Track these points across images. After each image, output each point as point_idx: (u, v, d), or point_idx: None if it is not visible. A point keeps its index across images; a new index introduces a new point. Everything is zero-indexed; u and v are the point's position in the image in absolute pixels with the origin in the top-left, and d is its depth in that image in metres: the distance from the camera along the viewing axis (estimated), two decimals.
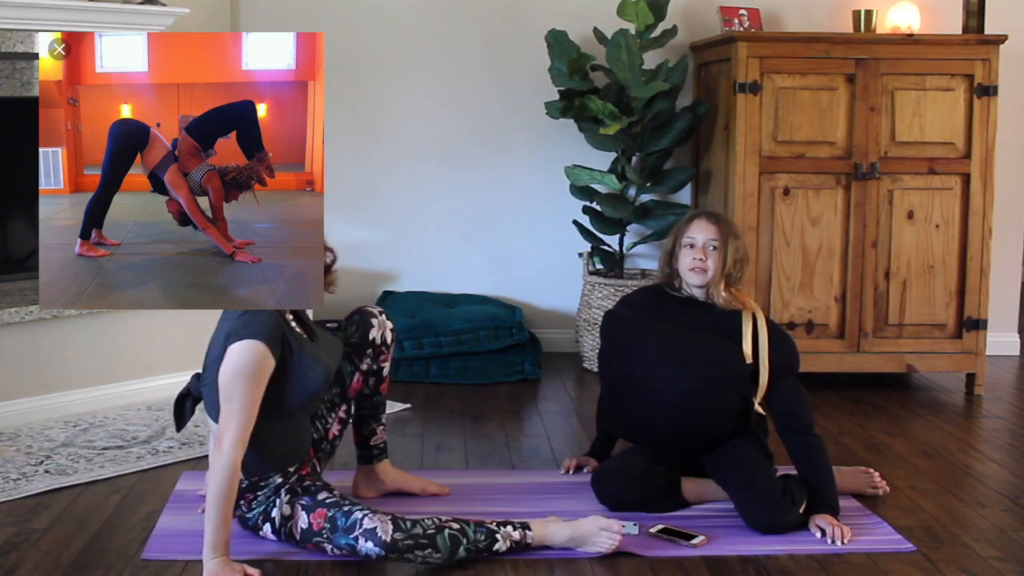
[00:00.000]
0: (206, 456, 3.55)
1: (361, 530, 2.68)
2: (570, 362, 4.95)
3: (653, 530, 2.96)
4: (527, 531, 2.80)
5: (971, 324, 4.47)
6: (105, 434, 3.75)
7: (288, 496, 2.80)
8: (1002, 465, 3.65)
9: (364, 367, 3.09)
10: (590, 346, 4.77)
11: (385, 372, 3.14)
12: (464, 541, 2.72)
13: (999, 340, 5.11)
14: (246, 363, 2.64)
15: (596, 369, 4.65)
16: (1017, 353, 5.23)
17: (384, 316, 3.12)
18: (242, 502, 2.83)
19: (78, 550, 2.83)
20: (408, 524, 2.70)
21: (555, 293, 5.13)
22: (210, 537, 2.62)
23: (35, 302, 3.88)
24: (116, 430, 3.79)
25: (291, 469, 2.84)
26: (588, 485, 3.24)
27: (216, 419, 2.73)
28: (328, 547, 2.74)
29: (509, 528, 2.79)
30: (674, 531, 2.94)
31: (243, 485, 2.81)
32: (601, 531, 2.81)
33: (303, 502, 2.78)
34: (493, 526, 2.78)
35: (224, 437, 2.63)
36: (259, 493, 2.82)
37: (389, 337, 3.12)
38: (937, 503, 3.26)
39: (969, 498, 3.33)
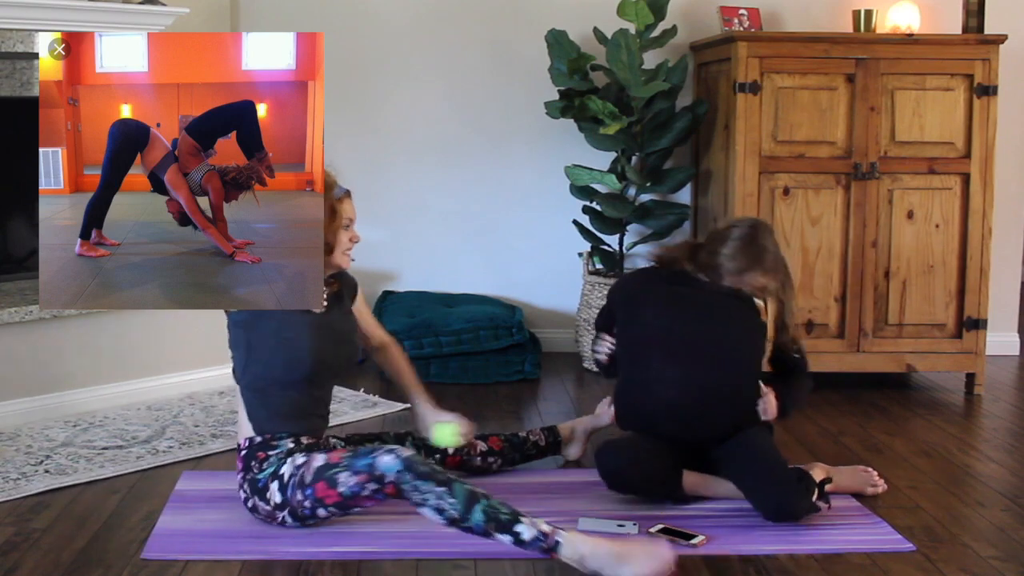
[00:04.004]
0: (206, 456, 3.56)
1: (382, 449, 2.72)
2: (570, 362, 4.94)
3: (653, 530, 2.96)
4: (559, 529, 2.62)
5: (971, 324, 4.47)
6: (105, 434, 3.75)
7: (303, 452, 2.89)
8: (1002, 465, 3.65)
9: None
10: (590, 346, 4.76)
11: (446, 457, 3.31)
12: (484, 501, 2.61)
13: (999, 340, 5.11)
14: None
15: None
16: (1017, 353, 5.23)
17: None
18: (254, 463, 2.91)
19: (78, 550, 2.83)
20: (431, 460, 2.84)
21: (555, 293, 5.13)
22: None
23: (35, 302, 3.88)
24: (116, 430, 3.79)
25: (303, 440, 2.94)
26: (588, 485, 3.24)
27: (236, 379, 3.02)
28: (343, 475, 2.74)
29: (540, 522, 2.63)
30: (674, 531, 2.94)
31: (256, 441, 2.92)
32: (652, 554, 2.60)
33: (321, 452, 2.87)
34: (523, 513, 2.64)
35: None
36: (271, 453, 2.91)
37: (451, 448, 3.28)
38: (937, 503, 3.26)
39: (969, 498, 3.33)
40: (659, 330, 3.21)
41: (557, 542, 2.59)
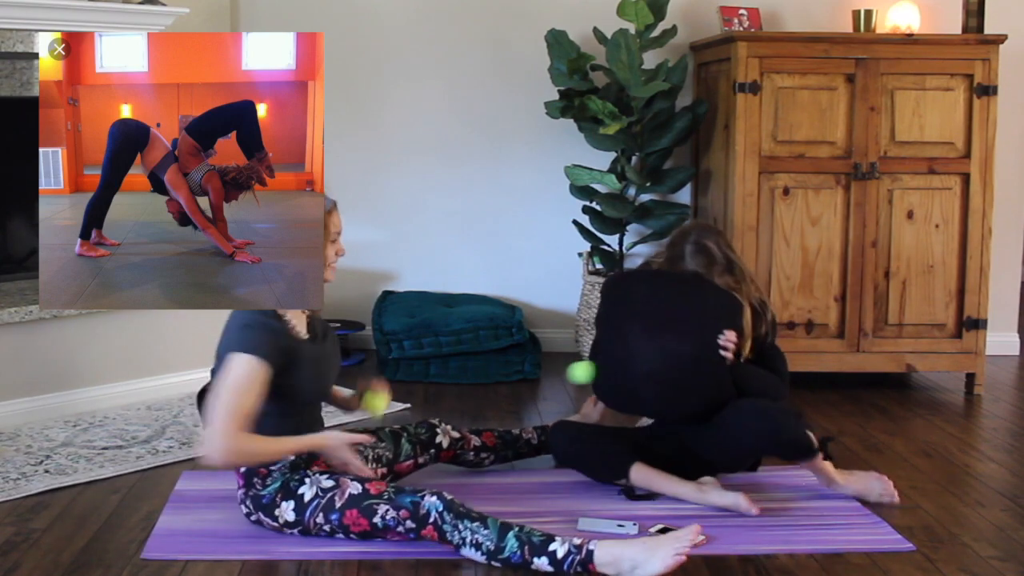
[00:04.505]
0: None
1: (427, 490, 2.75)
2: (570, 362, 4.92)
3: (653, 530, 2.95)
4: (591, 539, 2.67)
5: (971, 324, 4.47)
6: (105, 434, 3.75)
7: (327, 475, 2.85)
8: (1002, 465, 3.65)
9: (421, 460, 3.26)
10: (590, 346, 4.76)
11: (440, 452, 3.32)
12: (516, 529, 2.67)
13: (999, 340, 5.11)
14: (238, 376, 2.76)
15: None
16: (1017, 353, 5.23)
17: (446, 425, 3.36)
18: (256, 479, 2.88)
19: (78, 550, 2.83)
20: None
21: (555, 293, 5.13)
22: (306, 448, 2.85)
23: (35, 302, 3.88)
24: (116, 430, 3.79)
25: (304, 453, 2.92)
26: (587, 485, 3.25)
27: None
28: (383, 508, 2.75)
29: (571, 538, 2.68)
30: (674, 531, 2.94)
31: None
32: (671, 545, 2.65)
33: (353, 479, 2.83)
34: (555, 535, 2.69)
35: (214, 440, 2.73)
36: (272, 469, 2.87)
37: (446, 442, 3.31)
38: (937, 503, 3.26)
39: (969, 498, 3.33)
40: (638, 304, 3.31)
41: (591, 551, 2.63)
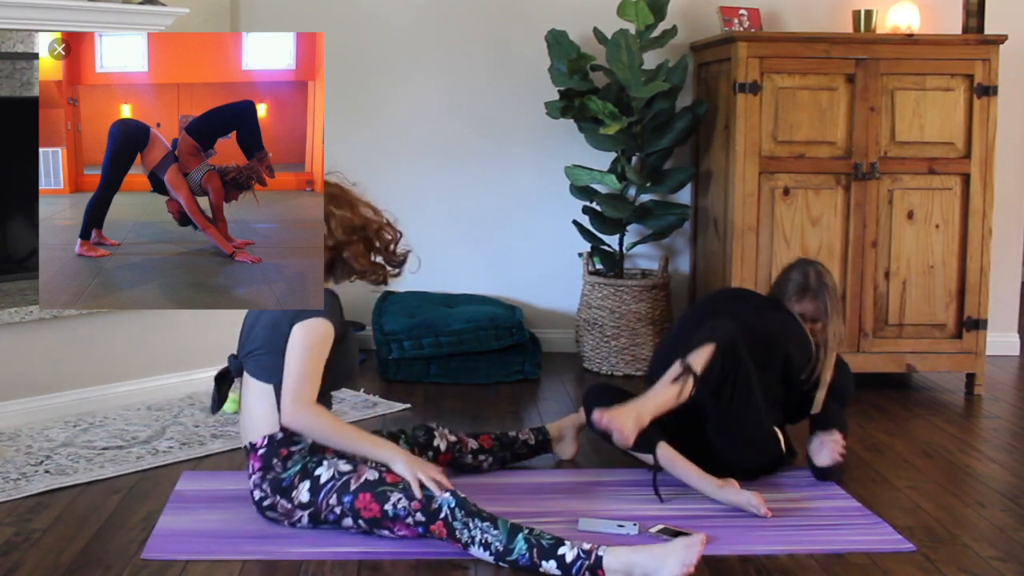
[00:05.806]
0: (206, 456, 3.56)
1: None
2: (570, 362, 4.94)
3: (653, 530, 2.96)
4: (600, 545, 2.65)
5: (971, 324, 4.47)
6: (105, 434, 3.74)
7: (346, 460, 2.87)
8: (1002, 465, 3.65)
9: None
10: (590, 346, 4.77)
11: (439, 455, 3.31)
12: (525, 531, 2.68)
13: (999, 340, 5.11)
14: (316, 339, 2.86)
15: (604, 366, 4.68)
16: (1017, 353, 5.23)
17: (444, 428, 3.36)
18: (276, 461, 2.88)
19: (78, 550, 2.83)
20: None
21: (555, 293, 5.13)
22: (373, 452, 2.87)
23: (35, 302, 3.88)
24: (116, 430, 3.79)
25: None
26: (589, 486, 3.25)
27: (266, 379, 2.91)
28: (396, 496, 2.77)
29: (580, 542, 2.67)
30: (674, 531, 2.94)
31: (278, 438, 2.89)
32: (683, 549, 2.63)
33: (372, 466, 2.87)
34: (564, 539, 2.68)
35: (298, 401, 2.83)
36: (293, 450, 2.88)
37: (443, 445, 3.31)
38: (937, 503, 3.26)
39: (969, 498, 3.33)
40: (719, 305, 3.50)
41: (600, 556, 2.62)
